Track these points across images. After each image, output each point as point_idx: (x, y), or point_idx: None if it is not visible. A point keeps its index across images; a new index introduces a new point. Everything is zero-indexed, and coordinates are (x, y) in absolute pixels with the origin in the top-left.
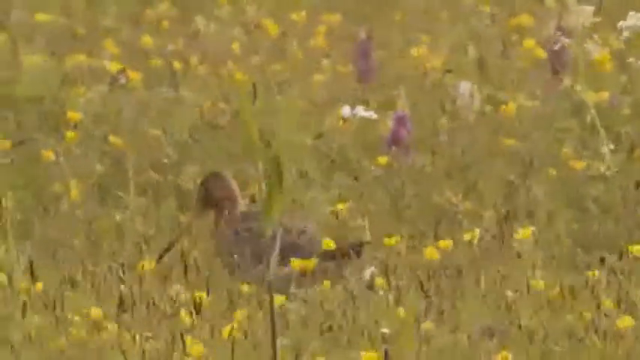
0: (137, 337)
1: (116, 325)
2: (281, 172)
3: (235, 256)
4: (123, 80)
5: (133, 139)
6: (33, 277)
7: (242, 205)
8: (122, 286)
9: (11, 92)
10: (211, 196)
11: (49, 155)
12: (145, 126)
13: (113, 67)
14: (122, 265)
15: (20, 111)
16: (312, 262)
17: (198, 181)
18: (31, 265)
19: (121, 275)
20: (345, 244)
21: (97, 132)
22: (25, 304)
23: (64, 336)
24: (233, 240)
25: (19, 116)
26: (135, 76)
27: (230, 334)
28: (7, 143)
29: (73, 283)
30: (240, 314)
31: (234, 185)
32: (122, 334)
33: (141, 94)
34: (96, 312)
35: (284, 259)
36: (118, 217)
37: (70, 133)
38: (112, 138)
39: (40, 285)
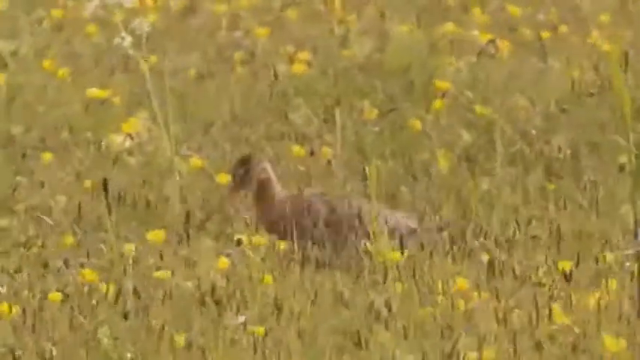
0: (502, 304)
1: (484, 294)
2: None
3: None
4: (492, 50)
5: (501, 109)
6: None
7: (279, 188)
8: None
9: (379, 62)
10: (250, 178)
11: (417, 124)
12: (513, 96)
13: (482, 37)
14: (486, 235)
15: (388, 80)
16: None
17: (236, 161)
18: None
19: (488, 244)
20: None
21: (465, 101)
22: (385, 270)
23: (428, 304)
24: None
25: (386, 86)
26: (503, 46)
27: (597, 303)
28: (376, 112)
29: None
30: (607, 284)
31: (273, 169)
32: (489, 302)
33: (509, 64)
34: (462, 281)
35: None
36: (485, 187)
37: (437, 103)
38: (479, 108)
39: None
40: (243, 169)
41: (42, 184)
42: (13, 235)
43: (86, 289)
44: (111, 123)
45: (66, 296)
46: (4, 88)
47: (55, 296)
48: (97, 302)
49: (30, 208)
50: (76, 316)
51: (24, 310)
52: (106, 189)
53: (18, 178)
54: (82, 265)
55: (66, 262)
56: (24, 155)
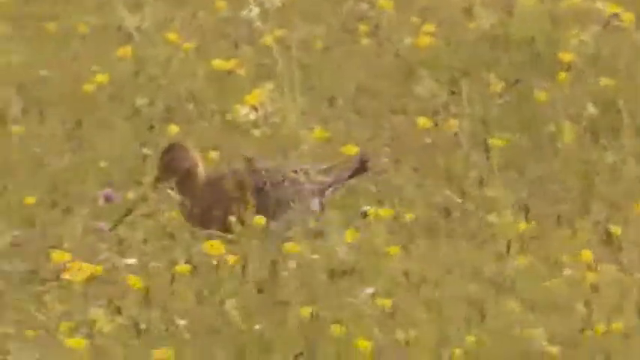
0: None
1: (610, 266)
2: None
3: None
4: (616, 22)
5: (626, 81)
6: (527, 216)
7: (202, 173)
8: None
9: (504, 33)
10: (172, 167)
11: (542, 96)
12: (638, 68)
13: (608, 8)
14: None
15: (513, 52)
16: None
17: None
18: (525, 205)
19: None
20: None
21: (590, 74)
22: (509, 242)
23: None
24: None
25: (512, 57)
26: (628, 18)
27: None
28: (501, 84)
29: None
30: None
31: (195, 155)
32: (615, 274)
33: (635, 36)
34: (586, 253)
35: None
36: (610, 159)
37: (562, 75)
38: (604, 80)
39: (531, 224)
40: (168, 158)
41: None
42: (140, 207)
43: (213, 261)
44: (236, 95)
45: (193, 268)
46: (129, 61)
47: (183, 268)
48: (225, 275)
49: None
50: (203, 288)
51: (152, 283)
52: (251, 163)
53: (144, 150)
54: (208, 237)
55: (193, 234)
56: (150, 127)
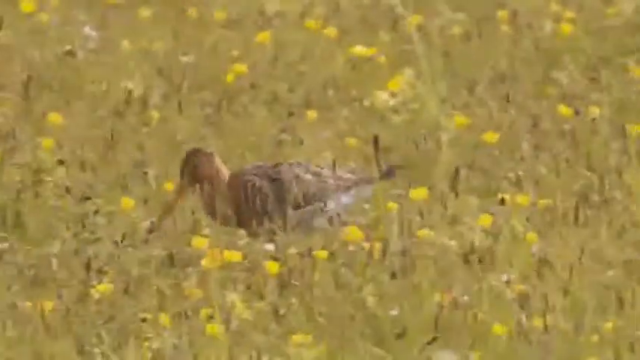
0: None
1: None
2: None
3: None
4: None
5: None
6: None
7: (225, 178)
8: None
9: None
10: (197, 173)
11: None
12: None
13: None
14: None
15: None
16: None
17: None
18: None
19: None
20: None
21: None
22: None
23: None
24: None
25: None
26: None
27: None
28: None
29: None
30: None
31: (219, 161)
32: None
33: None
34: None
35: None
36: None
37: None
38: None
39: None
40: (192, 164)
41: (303, 142)
42: None
43: (351, 247)
44: (375, 81)
45: (331, 255)
46: (269, 47)
47: (321, 254)
48: (363, 260)
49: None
50: (341, 274)
51: (290, 268)
52: (376, 146)
53: (283, 135)
54: (346, 223)
55: (330, 221)
56: (289, 114)
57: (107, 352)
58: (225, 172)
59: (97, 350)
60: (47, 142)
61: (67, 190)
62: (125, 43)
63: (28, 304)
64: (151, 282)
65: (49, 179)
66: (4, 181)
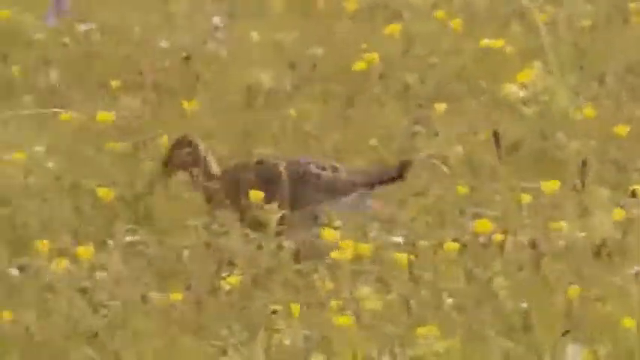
0: None
1: None
2: None
3: None
4: None
5: None
6: None
7: (213, 167)
8: None
9: None
10: (178, 160)
11: None
12: None
13: None
14: None
15: None
16: None
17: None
18: None
19: None
20: None
21: None
22: None
23: None
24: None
25: None
26: None
27: None
28: None
29: None
30: None
31: (202, 149)
32: None
33: None
34: None
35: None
36: None
37: None
38: None
39: None
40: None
41: (437, 134)
42: (409, 184)
43: (481, 239)
44: (505, 73)
45: (462, 246)
46: (398, 39)
47: (451, 246)
48: (493, 253)
49: (425, 157)
50: (471, 266)
51: (420, 261)
52: (497, 140)
53: (414, 128)
54: (476, 215)
55: (461, 212)
56: (419, 105)
57: (237, 344)
58: (213, 163)
59: (226, 342)
60: (175, 134)
61: None
62: (254, 35)
63: (158, 295)
64: (281, 274)
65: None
66: (135, 174)
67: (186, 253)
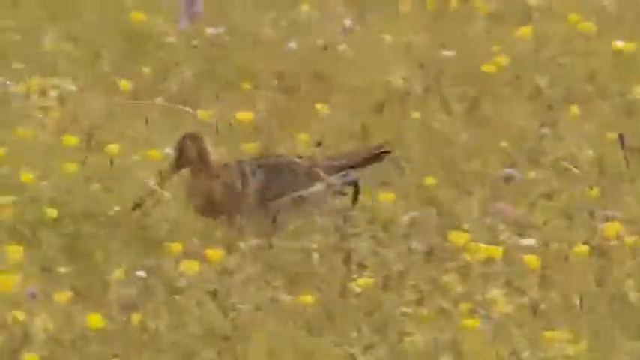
0: None
1: None
2: None
3: None
4: None
5: None
6: None
7: (216, 164)
8: None
9: None
10: (184, 157)
11: None
12: None
13: None
14: None
15: None
16: None
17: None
18: None
19: None
20: None
21: None
22: None
23: None
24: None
25: None
26: None
27: None
28: None
29: None
30: None
31: (207, 146)
32: None
33: None
34: None
35: None
36: None
37: None
38: None
39: None
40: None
41: (566, 137)
42: (539, 187)
43: (612, 242)
44: (636, 76)
45: (592, 249)
46: (529, 40)
47: (582, 249)
48: (623, 255)
49: (555, 160)
50: (602, 269)
51: (550, 263)
52: (622, 142)
53: (543, 130)
54: (606, 218)
55: (591, 214)
56: (549, 107)
57: (366, 347)
58: (214, 160)
59: (356, 345)
60: (304, 135)
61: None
62: (386, 37)
63: (289, 298)
64: (411, 277)
65: None
66: None
67: (315, 255)
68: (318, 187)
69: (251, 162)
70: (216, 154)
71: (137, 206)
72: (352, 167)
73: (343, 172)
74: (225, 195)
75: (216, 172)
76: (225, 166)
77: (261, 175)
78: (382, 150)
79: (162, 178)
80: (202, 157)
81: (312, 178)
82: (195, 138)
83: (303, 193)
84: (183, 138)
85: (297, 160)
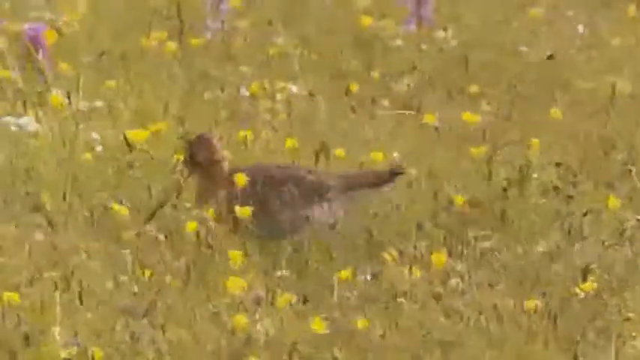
0: None
1: None
2: None
3: None
4: None
5: None
6: None
7: (226, 168)
8: None
9: None
10: (196, 158)
11: None
12: None
13: None
14: None
15: None
16: None
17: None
18: None
19: None
20: None
21: None
22: None
23: None
24: None
25: None
26: None
27: None
28: None
29: None
30: None
31: (219, 147)
32: None
33: None
34: None
35: None
36: None
37: None
38: None
39: None
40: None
41: None
42: None
43: None
44: None
45: None
46: None
47: None
48: None
49: None
50: None
51: None
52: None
53: None
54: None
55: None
56: None
57: (590, 352)
58: (226, 162)
59: (579, 350)
60: (535, 142)
61: (555, 188)
62: (615, 41)
63: (512, 302)
64: (635, 280)
65: (535, 176)
66: (492, 179)
67: (541, 259)
68: (323, 205)
69: (261, 170)
70: (227, 157)
71: (154, 213)
72: (363, 186)
73: (352, 191)
74: (231, 205)
75: (226, 177)
76: (236, 170)
77: (265, 187)
78: (397, 171)
79: (176, 183)
80: (212, 160)
81: (317, 194)
82: (206, 139)
83: (303, 212)
84: (196, 139)
85: (307, 175)
